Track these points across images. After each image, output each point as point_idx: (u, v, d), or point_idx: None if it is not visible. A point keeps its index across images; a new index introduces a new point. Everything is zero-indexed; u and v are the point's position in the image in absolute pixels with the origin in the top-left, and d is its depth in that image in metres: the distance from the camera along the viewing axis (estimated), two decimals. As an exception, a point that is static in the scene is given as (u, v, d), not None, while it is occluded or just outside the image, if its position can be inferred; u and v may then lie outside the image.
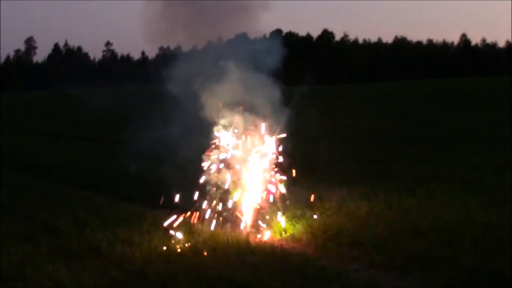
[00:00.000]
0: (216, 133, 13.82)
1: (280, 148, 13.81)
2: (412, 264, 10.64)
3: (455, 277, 9.91)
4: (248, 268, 10.64)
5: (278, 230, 13.20)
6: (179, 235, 12.73)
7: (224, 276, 10.20)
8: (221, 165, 13.67)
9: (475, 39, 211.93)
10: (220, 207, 13.54)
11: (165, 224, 13.27)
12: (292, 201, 14.05)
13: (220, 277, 10.19)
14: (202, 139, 13.88)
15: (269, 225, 13.34)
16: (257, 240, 12.70)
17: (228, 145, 13.76)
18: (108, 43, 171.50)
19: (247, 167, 13.60)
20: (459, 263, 10.30)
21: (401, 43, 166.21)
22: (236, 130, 13.73)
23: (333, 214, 13.74)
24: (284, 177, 13.83)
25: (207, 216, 13.56)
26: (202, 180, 13.62)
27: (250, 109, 13.65)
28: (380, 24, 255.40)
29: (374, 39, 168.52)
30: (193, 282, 10.03)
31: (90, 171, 22.01)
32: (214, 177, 13.62)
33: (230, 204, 13.53)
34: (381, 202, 14.64)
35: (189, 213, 13.62)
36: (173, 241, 12.46)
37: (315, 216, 13.67)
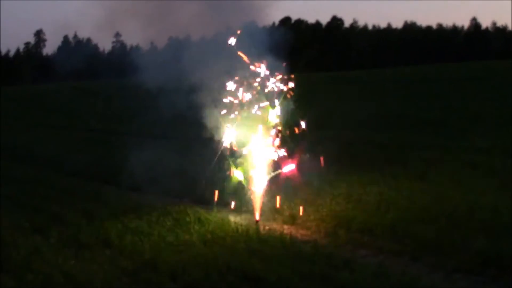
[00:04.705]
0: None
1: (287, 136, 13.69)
2: (422, 250, 10.62)
3: (464, 262, 9.88)
4: (257, 257, 10.62)
5: (287, 217, 13.16)
6: None
7: (234, 266, 10.18)
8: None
9: (485, 23, 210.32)
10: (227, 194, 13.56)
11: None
12: (301, 188, 14.01)
13: (229, 266, 10.17)
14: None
15: (277, 212, 13.30)
16: (266, 228, 12.68)
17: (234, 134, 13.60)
18: (117, 34, 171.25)
19: (254, 153, 13.50)
20: (468, 247, 10.26)
21: (410, 28, 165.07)
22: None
23: (343, 201, 13.70)
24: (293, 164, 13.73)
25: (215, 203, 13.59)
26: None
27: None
28: (389, 9, 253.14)
29: (383, 24, 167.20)
30: (203, 272, 10.02)
31: (98, 162, 22.03)
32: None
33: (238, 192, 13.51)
34: (390, 188, 14.58)
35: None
36: (181, 231, 12.46)
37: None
